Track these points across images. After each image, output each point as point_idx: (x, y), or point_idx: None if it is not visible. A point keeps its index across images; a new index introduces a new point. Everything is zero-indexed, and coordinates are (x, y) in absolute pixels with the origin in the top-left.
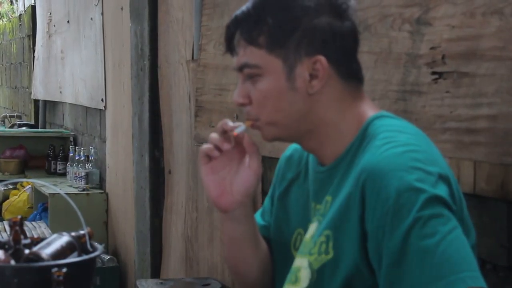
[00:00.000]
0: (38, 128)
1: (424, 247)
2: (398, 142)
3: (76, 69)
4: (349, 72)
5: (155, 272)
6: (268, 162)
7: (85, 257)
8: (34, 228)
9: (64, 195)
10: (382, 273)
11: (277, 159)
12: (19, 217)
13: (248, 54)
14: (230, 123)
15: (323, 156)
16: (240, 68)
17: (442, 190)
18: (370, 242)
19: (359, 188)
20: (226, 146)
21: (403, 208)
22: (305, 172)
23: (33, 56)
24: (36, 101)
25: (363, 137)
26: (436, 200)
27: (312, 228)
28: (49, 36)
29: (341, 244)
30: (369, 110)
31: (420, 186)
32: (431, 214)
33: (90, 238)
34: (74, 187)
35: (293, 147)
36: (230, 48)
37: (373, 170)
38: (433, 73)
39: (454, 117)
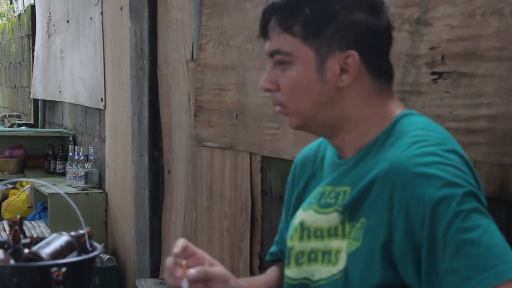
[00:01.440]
0: (37, 127)
1: (468, 240)
2: (430, 142)
3: (76, 68)
4: (380, 69)
5: (154, 272)
6: (267, 162)
7: (84, 256)
8: (34, 228)
9: (64, 194)
10: (424, 268)
11: (277, 159)
12: (18, 216)
13: (282, 41)
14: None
15: (344, 149)
16: (272, 54)
17: (474, 187)
18: (403, 239)
19: (389, 184)
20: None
21: (442, 203)
22: (321, 169)
23: (33, 56)
24: (36, 101)
25: (389, 133)
26: (472, 195)
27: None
28: (48, 36)
29: (368, 236)
30: (397, 108)
31: (456, 181)
32: (471, 208)
33: (89, 237)
34: (73, 187)
35: (306, 149)
36: (264, 32)
37: (405, 167)
38: (433, 73)
39: (454, 117)
